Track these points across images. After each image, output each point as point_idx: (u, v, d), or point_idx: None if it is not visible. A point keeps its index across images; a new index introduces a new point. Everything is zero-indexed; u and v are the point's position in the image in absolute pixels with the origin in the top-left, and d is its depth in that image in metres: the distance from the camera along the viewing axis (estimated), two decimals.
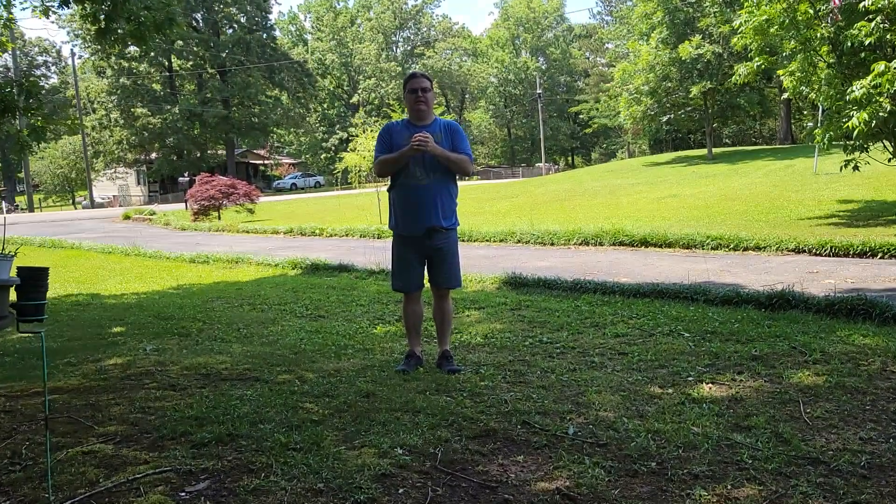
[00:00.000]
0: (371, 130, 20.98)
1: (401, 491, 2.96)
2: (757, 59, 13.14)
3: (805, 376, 4.26)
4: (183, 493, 2.97)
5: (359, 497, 2.89)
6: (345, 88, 77.47)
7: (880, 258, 9.00)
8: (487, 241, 13.48)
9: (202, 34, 55.42)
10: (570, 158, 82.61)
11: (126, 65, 52.48)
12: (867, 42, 10.69)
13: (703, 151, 35.27)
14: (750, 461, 3.13)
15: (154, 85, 57.17)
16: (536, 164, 65.96)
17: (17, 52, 57.85)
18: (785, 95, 14.43)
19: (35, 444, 3.61)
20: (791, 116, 42.88)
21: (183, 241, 19.02)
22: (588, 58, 76.76)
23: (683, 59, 30.01)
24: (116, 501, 2.93)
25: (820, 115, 14.44)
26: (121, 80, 52.34)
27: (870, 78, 10.48)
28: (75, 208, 54.95)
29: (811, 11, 11.86)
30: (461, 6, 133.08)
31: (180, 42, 54.16)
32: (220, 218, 25.76)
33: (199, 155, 56.79)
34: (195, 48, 55.63)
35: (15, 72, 47.73)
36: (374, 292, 8.36)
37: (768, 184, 19.67)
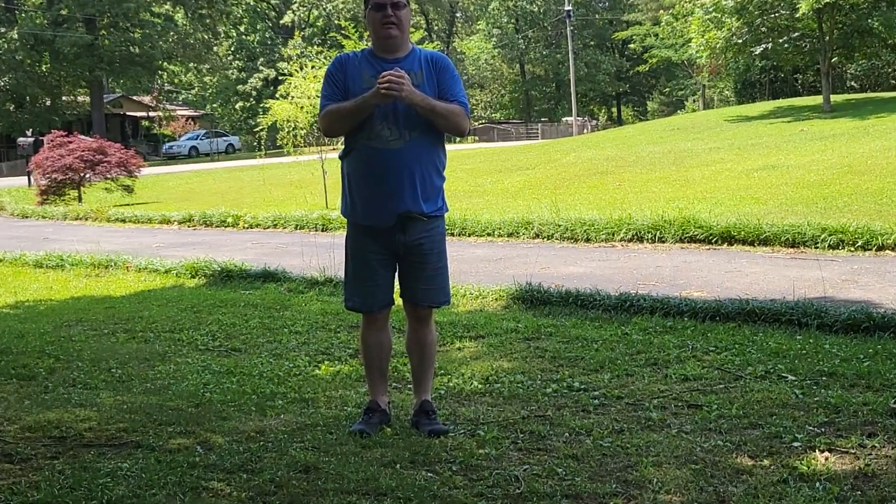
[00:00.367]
0: (313, 66, 20.94)
1: None
2: None
3: None
4: None
5: None
6: (272, 2, 77.32)
7: None
8: (489, 235, 13.48)
9: None
10: (614, 110, 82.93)
11: None
12: None
13: (818, 100, 35.46)
14: None
15: None
16: (564, 120, 66.22)
17: None
18: None
19: None
20: None
21: (25, 233, 18.92)
22: None
23: None
24: None
25: None
26: None
27: None
28: None
29: None
30: None
31: None
32: (81, 199, 25.67)
33: (48, 103, 56.48)
34: None
35: None
36: (317, 313, 8.34)
37: None
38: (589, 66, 72.68)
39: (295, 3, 71.40)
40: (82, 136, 28.83)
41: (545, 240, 12.80)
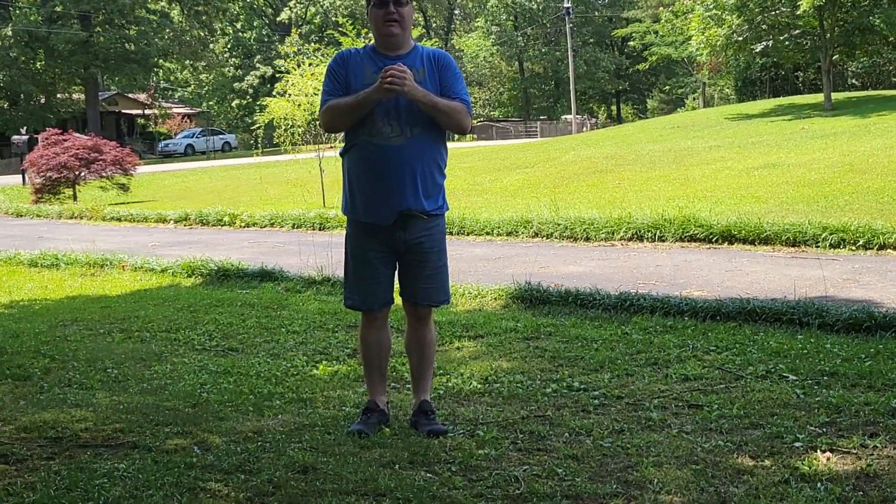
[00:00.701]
0: (310, 64, 20.94)
1: None
2: None
3: None
4: None
5: None
6: (269, 0, 77.34)
7: None
8: (488, 234, 13.50)
9: None
10: (614, 108, 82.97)
11: None
12: None
13: (818, 98, 35.51)
14: None
15: None
16: (563, 118, 66.22)
17: None
18: None
19: None
20: None
21: (19, 232, 18.92)
22: None
23: None
24: None
25: None
26: None
27: None
28: None
29: None
30: None
31: None
32: (76, 198, 25.66)
33: (43, 101, 56.46)
34: None
35: None
36: (315, 312, 8.34)
37: None
38: (588, 63, 72.72)
39: (292, 0, 71.40)
40: (77, 134, 28.81)
41: (544, 239, 12.82)
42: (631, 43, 69.37)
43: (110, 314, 8.74)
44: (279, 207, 18.70)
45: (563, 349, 6.51)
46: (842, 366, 5.67)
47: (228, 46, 75.47)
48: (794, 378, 5.49)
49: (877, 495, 3.75)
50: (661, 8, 54.31)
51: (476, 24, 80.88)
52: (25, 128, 48.87)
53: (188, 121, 66.32)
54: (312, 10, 71.86)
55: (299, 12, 72.06)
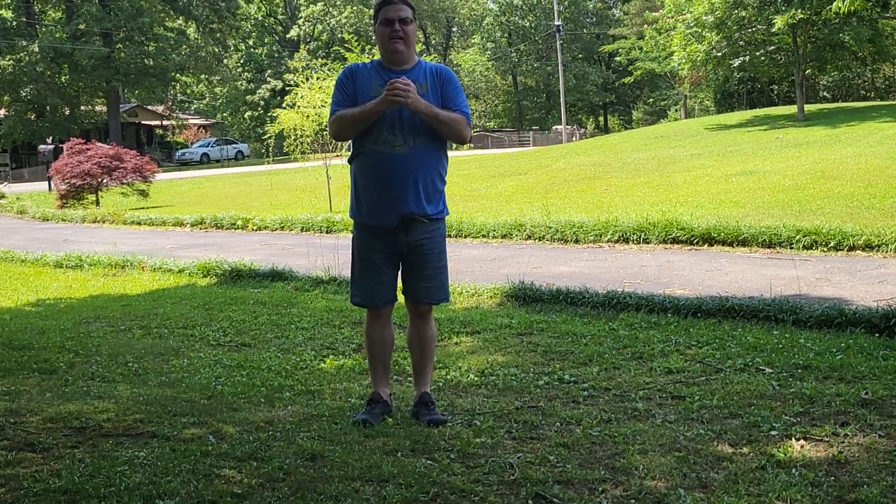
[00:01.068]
0: (318, 78, 20.95)
1: None
2: None
3: None
4: None
5: None
6: (279, 18, 77.32)
7: None
8: (484, 236, 13.50)
9: None
10: (601, 119, 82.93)
11: None
12: None
13: (792, 109, 35.50)
14: None
15: (2, 12, 56.64)
16: (554, 128, 66.14)
17: None
18: None
19: None
20: None
21: (45, 235, 18.92)
22: None
23: None
24: None
25: None
26: None
27: None
28: None
29: None
30: None
31: None
32: (98, 203, 25.66)
33: (68, 112, 56.42)
34: None
35: None
36: (322, 310, 8.35)
37: (884, 155, 19.82)
38: (577, 77, 72.71)
39: (300, 18, 71.39)
40: (100, 144, 28.86)
41: (537, 241, 12.82)
42: (617, 58, 69.33)
43: (131, 312, 8.75)
44: (289, 212, 18.71)
45: (555, 344, 6.51)
46: (814, 359, 5.67)
47: (241, 62, 75.41)
48: (770, 371, 5.49)
49: (848, 480, 3.75)
50: (645, 26, 54.31)
51: (472, 41, 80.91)
52: (51, 138, 48.91)
53: (203, 131, 66.34)
54: (320, 27, 71.76)
55: (307, 30, 72.00)
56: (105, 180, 25.76)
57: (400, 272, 4.96)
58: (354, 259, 4.99)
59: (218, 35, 62.25)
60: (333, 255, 10.26)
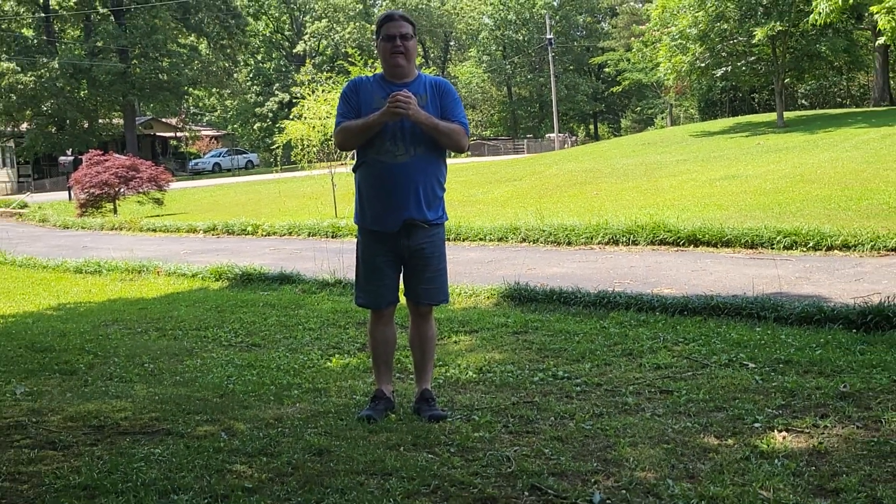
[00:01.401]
0: (323, 90, 20.96)
1: None
2: None
3: None
4: None
5: None
6: (286, 34, 77.37)
7: None
8: (481, 239, 13.50)
9: None
10: (592, 127, 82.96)
11: None
12: None
13: (772, 116, 35.52)
14: None
15: (24, 31, 56.67)
16: (547, 136, 66.24)
17: None
18: (881, 40, 14.58)
19: None
20: (889, 68, 43.27)
21: (66, 242, 18.91)
22: None
23: None
24: None
25: None
26: None
27: None
28: None
29: None
30: None
31: None
32: (116, 211, 25.65)
33: (86, 126, 56.42)
34: None
35: None
36: (329, 311, 8.34)
37: (859, 159, 19.84)
38: (569, 87, 72.73)
39: (306, 34, 71.43)
40: (117, 155, 28.81)
41: (531, 244, 12.82)
42: (606, 69, 69.35)
43: (147, 315, 8.74)
44: (296, 218, 18.70)
45: (549, 342, 6.50)
46: (795, 354, 5.66)
47: (250, 76, 75.45)
48: (753, 366, 5.49)
49: (828, 470, 3.75)
50: (632, 38, 54.34)
51: (469, 54, 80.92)
52: (71, 150, 48.83)
53: (215, 142, 66.37)
54: (324, 42, 71.83)
55: (313, 45, 72.05)
56: (122, 189, 25.76)
57: (402, 275, 4.96)
58: (359, 262, 4.99)
59: (228, 51, 62.30)
60: (339, 259, 10.26)
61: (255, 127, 74.43)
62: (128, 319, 8.52)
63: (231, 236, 17.80)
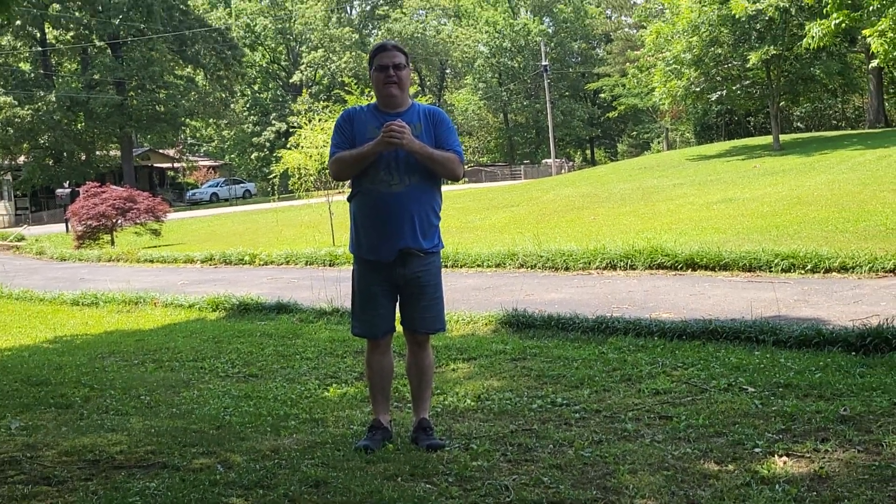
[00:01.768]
0: (320, 119, 21.03)
1: None
2: (835, 14, 13.34)
3: None
4: None
5: None
6: (282, 64, 77.71)
7: None
8: (479, 266, 13.48)
9: None
10: (588, 152, 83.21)
11: None
12: None
13: (768, 139, 35.66)
14: None
15: (21, 64, 56.93)
16: (543, 161, 66.36)
17: None
18: (874, 63, 14.65)
19: None
20: (884, 90, 43.50)
21: (63, 274, 18.88)
22: (610, 17, 77.64)
23: (737, 16, 30.37)
24: None
25: None
26: None
27: None
28: None
29: None
30: None
31: (56, 5, 54.12)
32: (113, 243, 25.65)
33: (84, 158, 56.56)
34: (77, 13, 55.65)
35: None
36: (326, 340, 8.31)
37: (856, 181, 19.89)
38: (565, 113, 73.08)
39: (302, 64, 71.73)
40: (114, 186, 28.88)
41: (529, 269, 12.80)
42: (602, 95, 69.67)
43: (144, 346, 8.71)
44: (293, 247, 18.69)
45: (547, 368, 6.48)
46: (795, 378, 5.64)
47: (247, 106, 75.68)
48: (753, 390, 5.47)
49: (829, 495, 3.72)
50: (627, 64, 54.66)
51: (465, 82, 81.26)
52: (68, 182, 49.00)
53: (213, 172, 66.60)
54: (321, 72, 72.08)
55: (309, 75, 72.32)
56: (119, 221, 25.78)
57: (398, 303, 4.95)
58: (354, 292, 4.98)
59: (225, 82, 62.59)
60: (336, 288, 10.23)
61: (252, 156, 74.61)
62: (124, 351, 8.49)
63: (228, 266, 17.78)
